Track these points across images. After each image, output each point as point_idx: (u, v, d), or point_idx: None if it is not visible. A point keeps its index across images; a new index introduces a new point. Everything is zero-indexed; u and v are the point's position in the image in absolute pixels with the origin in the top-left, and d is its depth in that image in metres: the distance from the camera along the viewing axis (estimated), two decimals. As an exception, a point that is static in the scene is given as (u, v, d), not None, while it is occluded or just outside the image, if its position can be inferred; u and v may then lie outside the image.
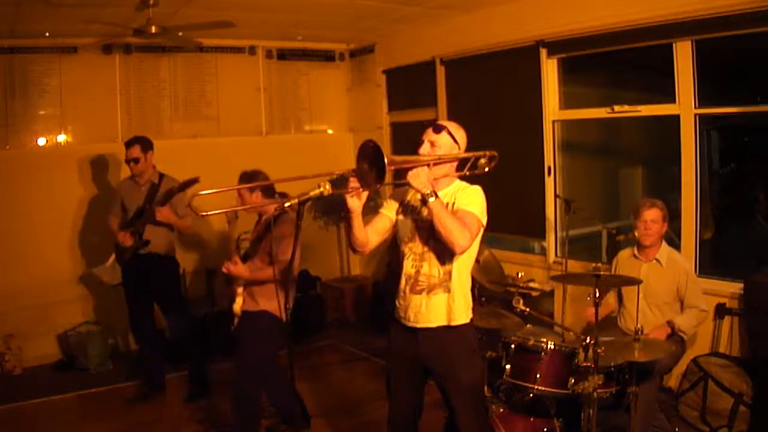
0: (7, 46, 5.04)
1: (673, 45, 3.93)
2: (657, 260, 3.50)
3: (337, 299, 6.20)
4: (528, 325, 3.39)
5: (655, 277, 3.46)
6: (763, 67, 3.76)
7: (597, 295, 2.94)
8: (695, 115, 3.91)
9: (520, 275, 3.66)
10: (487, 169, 2.58)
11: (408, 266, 2.57)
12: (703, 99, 3.88)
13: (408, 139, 4.81)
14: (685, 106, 3.93)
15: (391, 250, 4.42)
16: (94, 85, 5.38)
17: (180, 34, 4.39)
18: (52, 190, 5.22)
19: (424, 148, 2.54)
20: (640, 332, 2.89)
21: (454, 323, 2.52)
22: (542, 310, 4.35)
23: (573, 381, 2.87)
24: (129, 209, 4.32)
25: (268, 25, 5.42)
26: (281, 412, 3.68)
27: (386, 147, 6.15)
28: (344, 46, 6.64)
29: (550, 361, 2.99)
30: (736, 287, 3.73)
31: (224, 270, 3.32)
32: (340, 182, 2.24)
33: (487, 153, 2.58)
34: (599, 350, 2.80)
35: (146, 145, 4.27)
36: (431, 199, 2.30)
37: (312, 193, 2.13)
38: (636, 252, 3.59)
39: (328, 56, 6.59)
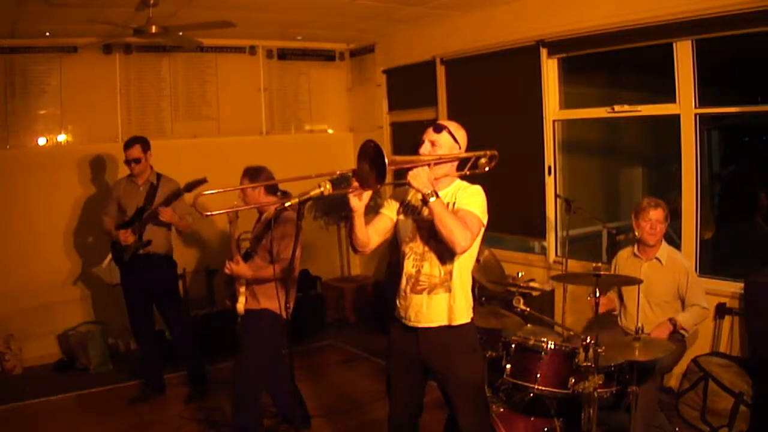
0: (7, 46, 5.04)
1: (673, 45, 3.93)
2: (657, 259, 3.50)
3: (337, 299, 6.19)
4: (528, 325, 3.38)
5: (655, 276, 3.46)
6: (763, 67, 3.76)
7: (597, 295, 2.94)
8: (695, 114, 3.91)
9: (520, 275, 3.65)
10: (487, 169, 2.58)
11: (409, 266, 2.56)
12: (703, 99, 3.88)
13: (408, 139, 4.82)
14: (685, 105, 3.93)
15: (392, 250, 4.42)
16: (94, 85, 5.38)
17: (180, 34, 4.39)
18: (52, 190, 5.22)
19: (425, 148, 2.54)
20: (640, 331, 2.89)
21: (455, 323, 2.51)
22: (542, 309, 4.34)
23: (573, 381, 2.87)
24: (127, 209, 4.30)
25: (268, 25, 5.42)
26: (283, 412, 3.68)
27: (386, 147, 6.14)
28: (344, 46, 6.64)
29: (551, 361, 2.99)
30: (736, 287, 3.73)
31: (226, 270, 3.30)
32: (340, 182, 2.23)
33: (488, 152, 2.58)
34: (599, 350, 2.80)
35: (146, 145, 4.28)
36: (432, 199, 2.30)
37: (312, 193, 2.12)
38: (636, 251, 3.59)
39: (328, 56, 6.59)
